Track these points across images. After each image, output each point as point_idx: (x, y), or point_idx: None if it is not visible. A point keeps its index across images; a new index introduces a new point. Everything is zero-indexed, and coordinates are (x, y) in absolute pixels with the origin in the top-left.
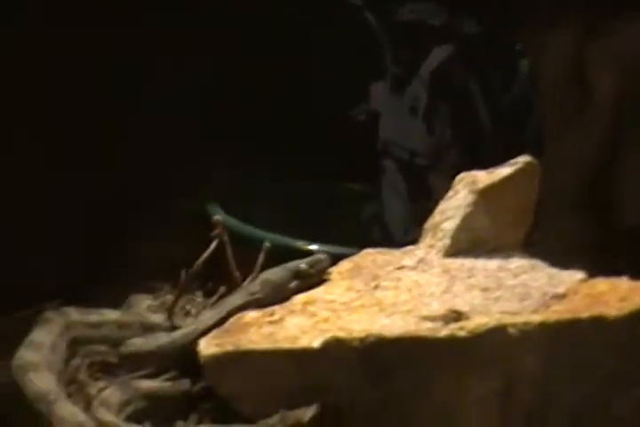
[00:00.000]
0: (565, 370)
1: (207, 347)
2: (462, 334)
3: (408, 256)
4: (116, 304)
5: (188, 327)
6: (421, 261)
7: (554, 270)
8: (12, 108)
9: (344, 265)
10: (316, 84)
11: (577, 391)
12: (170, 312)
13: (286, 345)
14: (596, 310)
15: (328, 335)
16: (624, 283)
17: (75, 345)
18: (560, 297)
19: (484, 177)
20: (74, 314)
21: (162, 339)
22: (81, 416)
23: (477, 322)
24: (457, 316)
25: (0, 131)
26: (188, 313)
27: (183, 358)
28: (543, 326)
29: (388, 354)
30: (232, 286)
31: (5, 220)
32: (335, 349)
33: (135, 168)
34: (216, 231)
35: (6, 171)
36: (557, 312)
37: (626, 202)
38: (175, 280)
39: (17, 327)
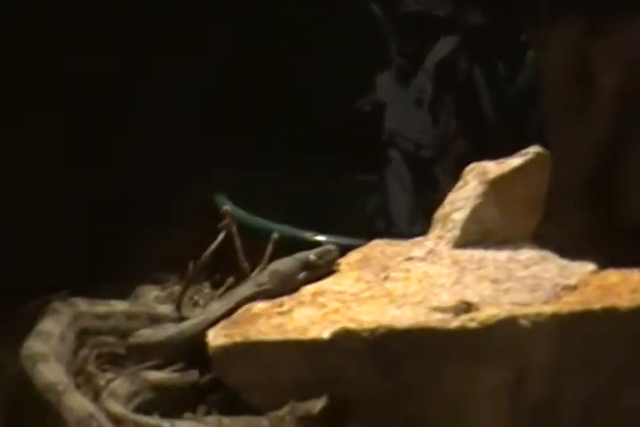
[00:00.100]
0: (576, 361)
1: (216, 338)
2: (473, 325)
3: (417, 247)
4: (123, 295)
5: (196, 318)
6: (431, 252)
7: (564, 262)
8: (11, 108)
9: (353, 256)
10: (322, 76)
11: (588, 383)
12: (178, 303)
13: (295, 336)
14: (608, 302)
15: (338, 326)
16: (635, 275)
17: (83, 336)
18: (571, 288)
19: (494, 168)
20: (82, 305)
21: (170, 330)
22: (90, 407)
23: (488, 313)
24: (467, 307)
25: (0, 131)
26: (195, 304)
27: (191, 349)
28: (555, 317)
29: (398, 345)
30: (240, 277)
31: (5, 220)
32: (345, 340)
33: (142, 158)
34: (224, 222)
35: (6, 171)
36: (569, 304)
37: (629, 200)
38: (183, 271)
39: (25, 318)
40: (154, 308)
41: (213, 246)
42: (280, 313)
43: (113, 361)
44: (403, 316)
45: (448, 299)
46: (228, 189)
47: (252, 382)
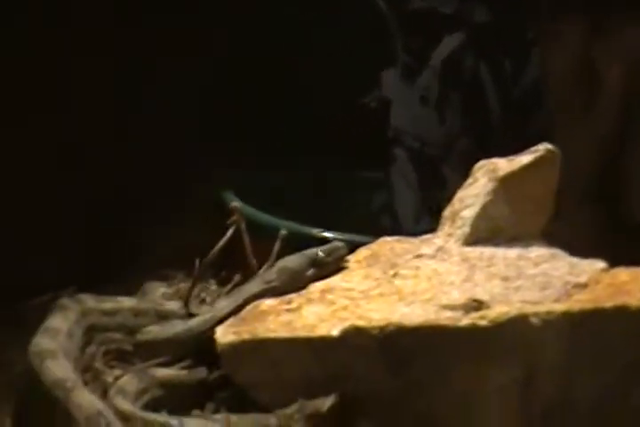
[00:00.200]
0: (586, 360)
1: (224, 335)
2: (483, 323)
3: (426, 244)
4: (128, 293)
5: (204, 315)
6: (440, 249)
7: (574, 260)
8: (11, 108)
9: (361, 253)
10: (327, 73)
11: (598, 381)
12: (185, 300)
13: (304, 334)
14: (619, 300)
15: (347, 324)
16: None
17: (91, 332)
18: (582, 286)
19: (504, 165)
20: (89, 301)
21: (178, 327)
22: (99, 404)
23: (499, 311)
24: (477, 305)
25: (0, 131)
26: (203, 301)
27: (199, 347)
28: (566, 315)
29: (407, 343)
30: (247, 274)
31: (5, 220)
32: (354, 337)
33: (143, 158)
34: (233, 218)
35: (6, 171)
36: (580, 302)
37: (633, 198)
38: (189, 268)
39: (32, 314)
40: (161, 304)
41: (222, 243)
42: (288, 310)
43: (120, 358)
44: (412, 313)
45: (458, 297)
46: (232, 188)
47: (260, 380)
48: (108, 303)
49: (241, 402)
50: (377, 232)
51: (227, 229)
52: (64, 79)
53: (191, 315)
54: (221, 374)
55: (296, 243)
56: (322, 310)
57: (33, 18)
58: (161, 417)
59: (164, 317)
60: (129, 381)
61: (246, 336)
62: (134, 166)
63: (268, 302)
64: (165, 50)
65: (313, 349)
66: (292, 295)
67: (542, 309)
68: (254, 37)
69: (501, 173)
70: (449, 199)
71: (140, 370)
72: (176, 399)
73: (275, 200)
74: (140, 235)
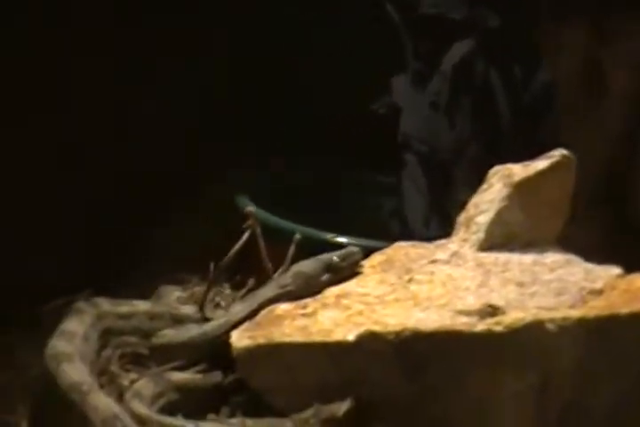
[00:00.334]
0: (602, 366)
1: (239, 339)
2: (499, 328)
3: (441, 250)
4: (144, 296)
5: (219, 319)
6: (455, 254)
7: (590, 265)
8: (11, 108)
9: (376, 258)
10: (338, 78)
11: (613, 387)
12: (201, 304)
13: (320, 338)
14: (635, 306)
15: (363, 329)
16: None
17: (106, 336)
18: (597, 293)
19: (519, 170)
20: (105, 305)
21: (193, 331)
22: (115, 407)
23: (514, 317)
24: (493, 310)
25: (0, 131)
26: (217, 305)
27: (214, 351)
28: (582, 321)
29: (423, 348)
30: (261, 279)
31: (5, 220)
32: (370, 342)
33: (160, 155)
34: (248, 223)
35: (6, 171)
36: (596, 308)
37: None
38: (204, 272)
39: (48, 318)
40: (176, 308)
41: (237, 247)
42: (304, 315)
43: (136, 361)
44: (428, 319)
45: (473, 302)
46: (245, 190)
47: (275, 384)
48: (124, 307)
49: (256, 406)
50: (387, 237)
51: (242, 233)
52: (64, 79)
53: (206, 319)
54: (236, 379)
55: (309, 247)
56: (337, 315)
57: (33, 18)
58: (177, 421)
59: (178, 320)
60: (145, 384)
61: (262, 341)
62: (145, 167)
63: (283, 307)
64: (167, 50)
65: (328, 353)
66: (308, 300)
67: (558, 315)
68: (264, 40)
69: (516, 178)
70: (459, 204)
71: (155, 374)
72: (191, 403)
73: (285, 203)
74: (154, 237)
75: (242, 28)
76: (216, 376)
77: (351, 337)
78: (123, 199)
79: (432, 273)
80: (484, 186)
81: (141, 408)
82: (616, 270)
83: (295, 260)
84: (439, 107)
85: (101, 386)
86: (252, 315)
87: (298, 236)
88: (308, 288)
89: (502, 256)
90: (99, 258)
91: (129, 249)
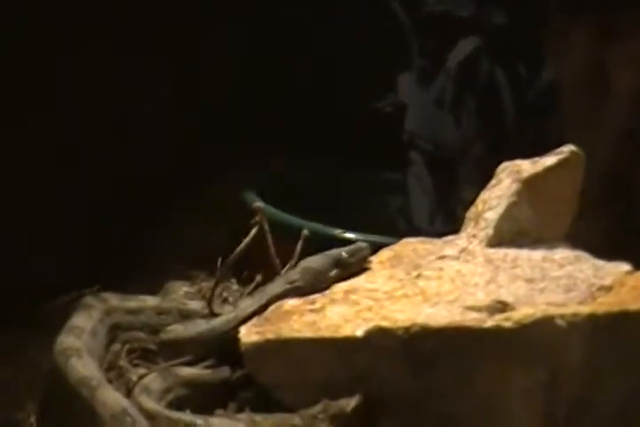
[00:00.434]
0: (611, 362)
1: (248, 335)
2: (508, 324)
3: (449, 246)
4: (151, 291)
5: (227, 315)
6: (463, 250)
7: (599, 262)
8: (11, 108)
9: (384, 254)
10: (347, 76)
11: (623, 384)
12: (209, 300)
13: (329, 334)
14: None
15: (371, 324)
16: None
17: (114, 331)
18: (606, 289)
19: (528, 166)
20: (113, 300)
21: (201, 326)
22: (124, 402)
23: (524, 313)
24: (502, 306)
25: (0, 131)
26: (225, 301)
27: (222, 346)
28: (591, 317)
29: (432, 344)
30: (269, 274)
31: (19, 220)
32: (379, 338)
33: (161, 155)
34: (256, 218)
35: (7, 170)
36: (605, 304)
37: None
38: (211, 267)
39: (56, 314)
40: (184, 304)
41: (245, 243)
42: (312, 311)
43: (144, 356)
44: (437, 314)
45: (482, 298)
46: (253, 187)
47: (283, 380)
48: (132, 302)
49: (264, 402)
50: (392, 235)
51: (249, 229)
52: (64, 79)
53: (214, 314)
54: (244, 374)
55: (317, 243)
56: (346, 311)
57: (33, 18)
58: (186, 416)
59: (186, 316)
60: (153, 379)
61: (270, 336)
62: (146, 167)
63: (291, 303)
64: (167, 49)
65: (337, 349)
66: (316, 296)
67: (568, 311)
68: (266, 39)
69: (525, 174)
70: (464, 202)
71: (164, 369)
72: (199, 399)
73: (286, 201)
74: (156, 237)
75: (243, 27)
76: (224, 372)
77: (360, 333)
78: (123, 199)
79: (441, 269)
80: (493, 182)
81: (150, 403)
82: (625, 267)
83: (303, 256)
84: (444, 105)
85: (110, 381)
86: (260, 310)
87: (305, 232)
88: (317, 284)
89: (511, 252)
90: (100, 257)
91: (132, 248)
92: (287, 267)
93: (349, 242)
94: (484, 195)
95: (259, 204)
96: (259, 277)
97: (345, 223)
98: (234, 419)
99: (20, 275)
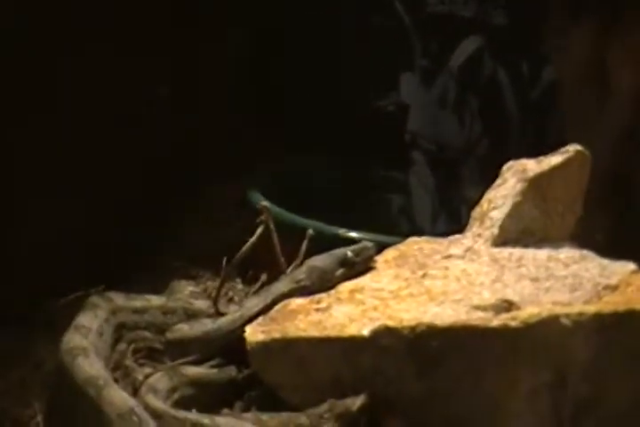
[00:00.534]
0: (617, 362)
1: (254, 334)
2: (514, 323)
3: (455, 245)
4: (156, 291)
5: (233, 314)
6: (469, 250)
7: (605, 261)
8: (11, 108)
9: (390, 253)
10: (353, 75)
11: (628, 383)
12: (214, 299)
13: (335, 333)
14: None
15: (378, 324)
16: None
17: (120, 330)
18: (612, 288)
19: (533, 166)
20: (119, 299)
21: (207, 325)
22: (131, 401)
23: (530, 312)
24: (508, 306)
25: (0, 131)
26: (230, 300)
27: (228, 345)
28: (597, 316)
29: (438, 343)
30: (274, 274)
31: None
32: (385, 337)
33: (167, 153)
34: (262, 218)
35: (7, 170)
36: (611, 303)
37: None
38: (213, 266)
39: (61, 313)
40: (190, 303)
41: (251, 242)
42: (318, 310)
43: (150, 356)
44: (443, 314)
45: (488, 297)
46: (258, 187)
47: (289, 379)
48: (138, 301)
49: (270, 401)
50: (394, 234)
51: (255, 228)
52: (64, 79)
53: (220, 314)
54: (251, 373)
55: (322, 243)
56: (352, 310)
57: (33, 18)
58: (192, 415)
59: (192, 315)
60: (159, 379)
61: (276, 335)
62: (152, 165)
63: (297, 302)
64: (168, 49)
65: (343, 348)
66: (322, 295)
67: (574, 310)
68: (267, 39)
69: (531, 173)
70: (466, 202)
71: (170, 368)
72: (206, 398)
73: (288, 201)
74: (160, 234)
75: (243, 28)
76: (230, 371)
77: (366, 332)
78: (123, 199)
79: (446, 268)
80: (499, 181)
81: (156, 402)
82: (631, 266)
83: (308, 255)
84: (447, 104)
85: (116, 380)
86: (266, 310)
87: (311, 231)
88: (322, 283)
89: (516, 251)
90: (100, 257)
91: (132, 248)
92: (292, 266)
93: (354, 241)
94: (490, 194)
95: (265, 203)
96: (264, 277)
97: (346, 223)
98: (240, 418)
99: (20, 275)
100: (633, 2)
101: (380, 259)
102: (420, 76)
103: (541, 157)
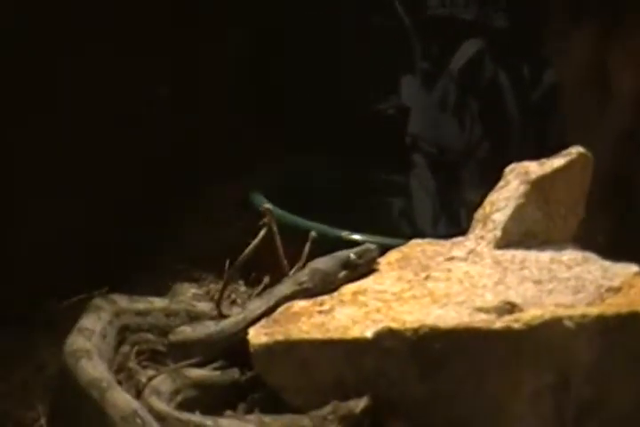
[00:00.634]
0: (620, 364)
1: (257, 336)
2: (517, 326)
3: (457, 247)
4: (159, 293)
5: (236, 316)
6: (472, 252)
7: (607, 263)
8: (11, 108)
9: (393, 255)
10: (355, 77)
11: (631, 385)
12: (217, 301)
13: (338, 335)
14: None
15: (381, 326)
16: None
17: (124, 333)
18: (615, 290)
19: (536, 168)
20: (122, 302)
21: (210, 328)
22: (134, 404)
23: (533, 314)
24: (511, 308)
25: (0, 131)
26: (233, 302)
27: (231, 347)
28: (600, 318)
29: (440, 345)
30: (276, 276)
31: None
32: (388, 339)
33: (167, 152)
34: (264, 220)
35: (6, 170)
36: (614, 305)
37: None
38: (213, 268)
39: (64, 315)
40: (193, 305)
41: (253, 244)
42: (321, 312)
43: (153, 358)
44: (446, 316)
45: (491, 299)
46: (260, 188)
47: (292, 381)
48: (141, 304)
49: (273, 403)
50: (395, 236)
51: (257, 230)
52: (64, 79)
53: (222, 316)
54: (254, 375)
55: (325, 245)
56: (354, 312)
57: (33, 18)
58: (196, 417)
59: (195, 317)
60: (163, 381)
61: (279, 337)
62: (152, 165)
63: (300, 304)
64: (169, 49)
65: (346, 350)
66: (324, 297)
67: (577, 312)
68: (268, 40)
69: (533, 176)
70: (466, 204)
71: (173, 370)
72: (209, 400)
73: (292, 200)
74: (160, 234)
75: (243, 28)
76: (233, 373)
77: (369, 334)
78: (122, 198)
79: (449, 270)
80: (501, 183)
81: (160, 405)
82: (634, 268)
83: (311, 257)
84: (447, 107)
85: (119, 383)
86: (269, 312)
87: (313, 233)
88: (325, 285)
89: (519, 254)
90: (100, 257)
91: (132, 248)
92: (295, 268)
93: (357, 244)
94: (492, 196)
95: (267, 205)
96: (267, 279)
97: (346, 224)
98: (243, 420)
99: (20, 275)
100: (634, 5)
101: (383, 261)
102: (420, 78)
103: (544, 160)
